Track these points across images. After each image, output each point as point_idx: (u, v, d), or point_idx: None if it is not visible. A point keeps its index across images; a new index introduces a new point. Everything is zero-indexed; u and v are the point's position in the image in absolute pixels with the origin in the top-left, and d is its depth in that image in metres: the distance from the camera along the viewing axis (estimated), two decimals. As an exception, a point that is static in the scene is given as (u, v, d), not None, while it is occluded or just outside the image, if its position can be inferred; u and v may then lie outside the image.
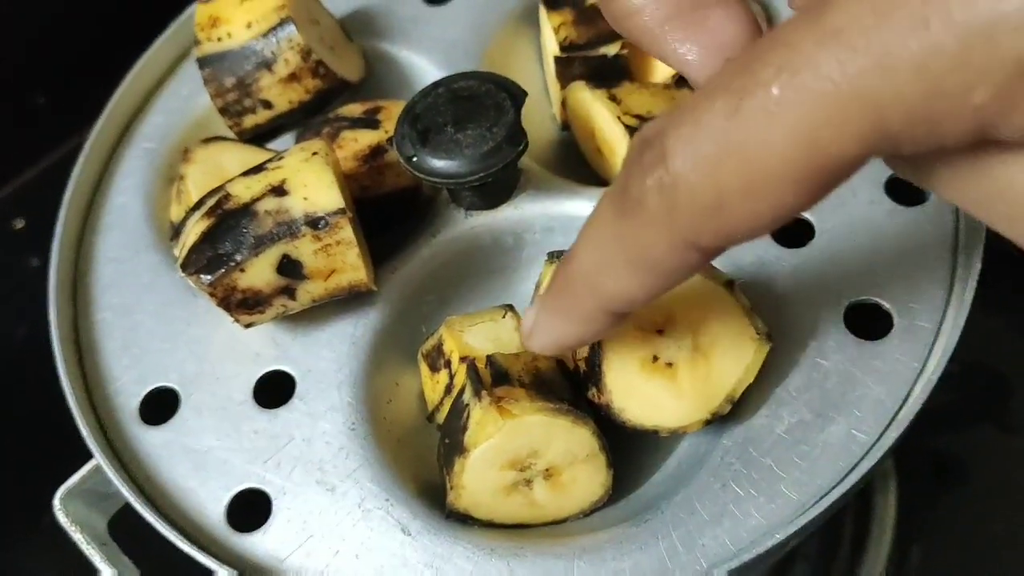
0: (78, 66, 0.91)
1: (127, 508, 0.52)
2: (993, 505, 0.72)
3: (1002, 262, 0.58)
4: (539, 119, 0.65)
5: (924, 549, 0.71)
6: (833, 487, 0.46)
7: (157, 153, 0.66)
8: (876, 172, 0.54)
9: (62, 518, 0.53)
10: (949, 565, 0.71)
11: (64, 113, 0.88)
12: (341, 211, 0.50)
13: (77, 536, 0.52)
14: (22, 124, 0.94)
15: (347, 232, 0.51)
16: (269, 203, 0.51)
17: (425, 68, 0.66)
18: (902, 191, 0.54)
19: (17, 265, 0.89)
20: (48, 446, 0.66)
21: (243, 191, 0.51)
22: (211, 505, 0.51)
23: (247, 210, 0.51)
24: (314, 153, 0.52)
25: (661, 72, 0.62)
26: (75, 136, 0.65)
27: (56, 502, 0.53)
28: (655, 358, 0.47)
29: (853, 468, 0.46)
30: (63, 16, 0.91)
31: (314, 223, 0.50)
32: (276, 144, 0.64)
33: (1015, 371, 0.76)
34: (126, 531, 0.54)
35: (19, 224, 0.93)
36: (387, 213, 0.59)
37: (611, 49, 0.60)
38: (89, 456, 0.53)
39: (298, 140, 0.62)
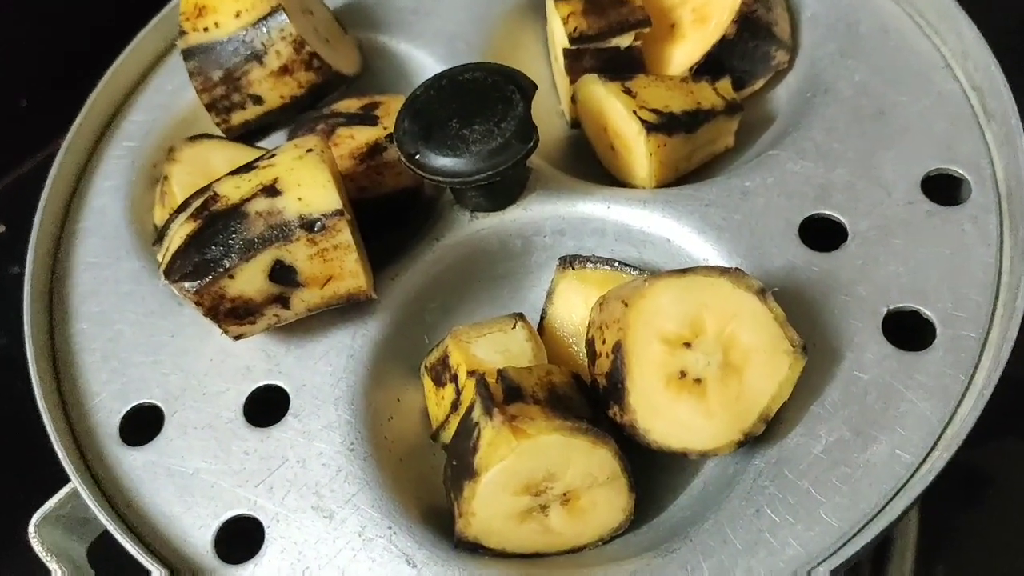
0: (61, 68, 0.88)
1: (108, 533, 0.48)
2: (1020, 518, 0.69)
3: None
4: (546, 115, 0.62)
5: (949, 564, 0.68)
6: (878, 512, 0.42)
7: (139, 152, 0.63)
8: (912, 169, 0.51)
9: (37, 546, 0.49)
10: (975, 581, 0.68)
11: (46, 116, 0.85)
12: (338, 212, 0.47)
13: (53, 566, 0.49)
14: (3, 128, 0.91)
15: (345, 235, 0.47)
16: (260, 204, 0.47)
17: (425, 61, 0.62)
18: (940, 190, 0.51)
19: (-4, 273, 0.86)
20: (25, 467, 0.63)
21: (232, 191, 0.48)
22: (198, 533, 0.48)
23: (236, 211, 0.47)
24: (308, 150, 0.49)
25: (677, 64, 0.58)
26: (58, 140, 0.62)
27: (31, 529, 0.50)
28: (682, 374, 0.43)
29: (899, 491, 0.43)
30: (46, 18, 0.88)
31: (309, 225, 0.47)
32: (267, 142, 0.61)
33: (1041, 381, 0.73)
34: (108, 557, 0.51)
35: (-1, 230, 0.90)
36: (386, 215, 0.56)
37: (624, 40, 0.56)
38: (66, 479, 0.50)
39: (290, 138, 0.59)
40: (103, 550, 0.52)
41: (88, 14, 0.88)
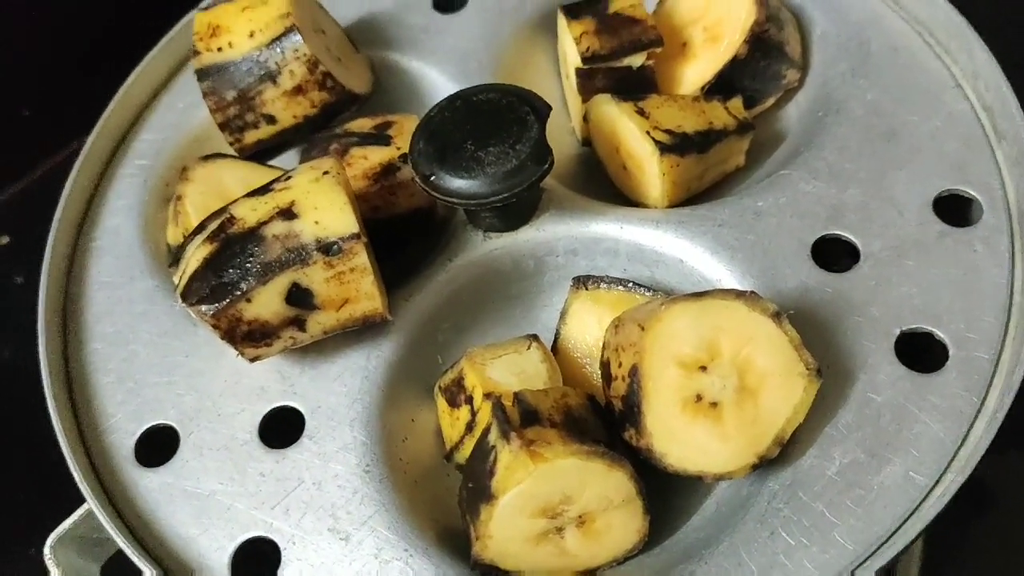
0: (62, 75, 0.88)
1: (121, 553, 0.48)
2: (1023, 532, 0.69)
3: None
4: (557, 133, 0.61)
5: (953, 578, 0.68)
6: (892, 535, 0.42)
7: (152, 171, 0.62)
8: (924, 190, 0.51)
9: (52, 567, 0.49)
10: (979, 595, 0.67)
11: (50, 126, 0.84)
12: (355, 236, 0.47)
13: (66, 587, 0.49)
14: (6, 138, 0.90)
15: (362, 258, 0.47)
16: (277, 227, 0.47)
17: (437, 80, 0.62)
18: (952, 211, 0.51)
19: (2, 283, 0.85)
20: (34, 483, 0.62)
21: (248, 214, 0.48)
22: (214, 555, 0.47)
23: (253, 234, 0.47)
24: (325, 172, 0.49)
25: (688, 83, 0.58)
26: (62, 150, 0.62)
27: (47, 550, 0.50)
28: (699, 397, 0.44)
29: (913, 513, 0.43)
30: (49, 26, 0.87)
31: (326, 248, 0.47)
32: (279, 161, 0.61)
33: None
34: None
35: (3, 240, 0.89)
36: (399, 236, 0.55)
37: (636, 60, 0.56)
38: (80, 499, 0.50)
39: (303, 157, 0.59)
40: (116, 569, 0.52)
41: (88, 19, 0.88)
